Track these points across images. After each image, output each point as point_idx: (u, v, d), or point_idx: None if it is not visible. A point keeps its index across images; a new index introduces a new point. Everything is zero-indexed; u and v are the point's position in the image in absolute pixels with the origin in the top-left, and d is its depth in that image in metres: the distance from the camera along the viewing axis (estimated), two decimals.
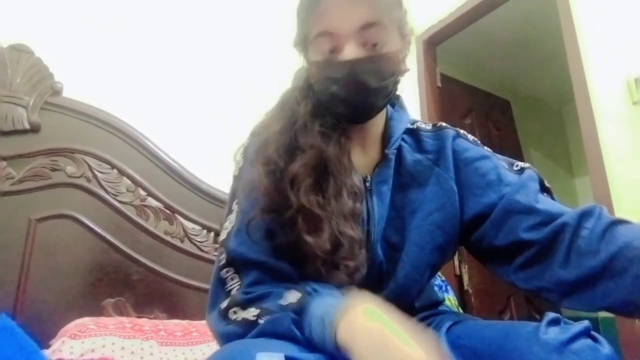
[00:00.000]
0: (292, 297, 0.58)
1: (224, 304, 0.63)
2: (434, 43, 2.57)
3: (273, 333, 0.55)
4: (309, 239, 0.64)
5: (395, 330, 0.49)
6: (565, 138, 3.80)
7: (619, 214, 1.56)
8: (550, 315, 0.57)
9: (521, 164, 0.78)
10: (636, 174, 1.56)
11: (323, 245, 0.64)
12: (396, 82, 0.73)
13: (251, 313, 0.59)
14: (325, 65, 0.69)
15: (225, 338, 0.61)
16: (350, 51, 0.67)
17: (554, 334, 0.54)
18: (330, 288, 0.61)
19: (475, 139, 0.83)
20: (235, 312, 0.61)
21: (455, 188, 0.77)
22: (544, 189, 0.75)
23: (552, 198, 0.75)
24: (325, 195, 0.68)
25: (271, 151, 0.68)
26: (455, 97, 2.78)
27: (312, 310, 0.55)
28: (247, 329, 0.59)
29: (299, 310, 0.55)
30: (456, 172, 0.78)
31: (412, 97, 2.49)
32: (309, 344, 0.54)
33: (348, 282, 0.63)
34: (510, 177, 0.75)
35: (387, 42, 0.69)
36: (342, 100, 0.69)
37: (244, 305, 0.61)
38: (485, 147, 0.82)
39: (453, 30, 2.45)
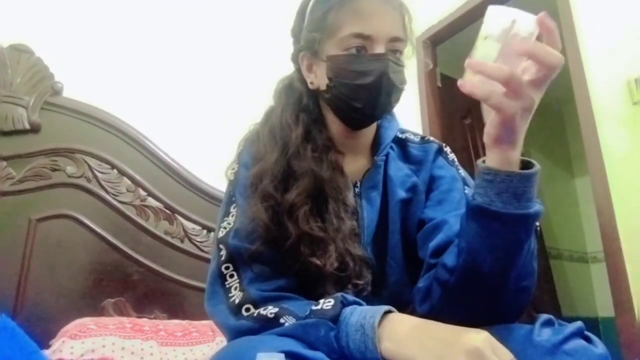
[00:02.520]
0: (326, 303, 0.57)
1: (236, 299, 0.64)
2: (434, 43, 2.57)
3: (304, 338, 0.55)
4: (315, 260, 0.66)
5: (446, 326, 0.53)
6: (565, 138, 3.80)
7: (619, 214, 1.56)
8: (543, 316, 0.58)
9: None
10: (636, 174, 1.56)
11: (331, 265, 0.66)
12: (401, 92, 0.77)
13: (269, 310, 0.60)
14: (355, 58, 0.72)
15: (237, 333, 0.61)
16: (380, 51, 0.72)
17: (547, 336, 0.54)
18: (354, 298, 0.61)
19: (454, 159, 0.86)
20: (248, 310, 0.62)
21: (424, 200, 0.80)
22: None
23: None
24: (325, 218, 0.71)
25: (267, 183, 0.71)
26: (455, 97, 2.77)
27: (348, 318, 0.54)
28: (264, 325, 0.59)
29: (335, 318, 0.55)
30: (429, 184, 0.81)
31: (412, 97, 2.49)
32: (342, 355, 0.53)
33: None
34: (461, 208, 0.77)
35: (403, 56, 0.75)
36: (368, 92, 0.72)
37: (260, 303, 0.62)
38: (461, 170, 0.84)
39: (453, 30, 2.45)
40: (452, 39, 2.52)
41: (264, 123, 0.80)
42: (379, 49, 0.71)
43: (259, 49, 2.18)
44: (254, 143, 0.78)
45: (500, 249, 0.57)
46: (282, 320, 0.59)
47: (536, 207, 0.54)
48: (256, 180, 0.72)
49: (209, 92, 2.03)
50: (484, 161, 0.56)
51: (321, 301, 0.58)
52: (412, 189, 0.79)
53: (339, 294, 0.59)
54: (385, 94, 0.72)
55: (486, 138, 0.53)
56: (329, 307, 0.57)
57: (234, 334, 0.63)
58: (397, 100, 0.77)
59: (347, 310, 0.55)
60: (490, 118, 0.52)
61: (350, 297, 0.58)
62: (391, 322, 0.53)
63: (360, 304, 0.58)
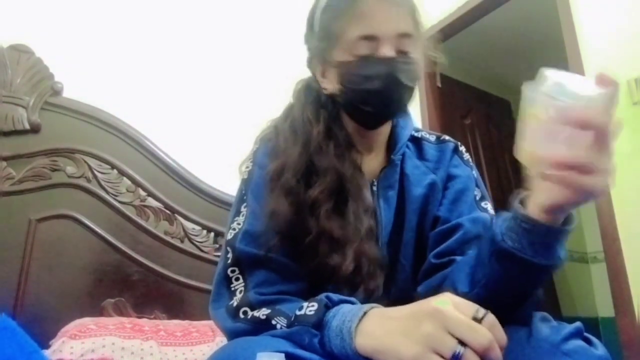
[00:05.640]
0: (309, 308, 0.57)
1: (235, 302, 0.64)
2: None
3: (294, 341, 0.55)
4: (332, 260, 0.66)
5: (407, 305, 0.52)
6: None
7: (619, 214, 1.56)
8: (539, 314, 0.58)
9: (489, 206, 0.80)
10: (636, 174, 1.56)
11: (347, 267, 0.66)
12: (415, 89, 0.76)
13: (262, 312, 0.60)
14: (363, 63, 0.71)
15: (233, 335, 0.62)
16: (388, 52, 0.70)
17: (545, 336, 0.53)
18: (346, 296, 0.60)
19: (469, 158, 0.86)
20: (246, 312, 0.62)
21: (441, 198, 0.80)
22: None
23: None
24: (345, 217, 0.70)
25: (290, 177, 0.70)
26: (455, 97, 2.78)
27: (330, 322, 0.54)
28: (256, 327, 0.59)
29: (318, 324, 0.54)
30: (445, 183, 0.81)
31: None
32: (332, 358, 0.53)
33: (365, 300, 0.63)
34: (474, 210, 0.78)
35: (414, 52, 0.73)
36: (377, 96, 0.71)
37: (256, 305, 0.62)
38: (474, 170, 0.84)
39: (453, 31, 2.45)
40: (452, 39, 2.52)
41: (284, 119, 0.80)
42: (387, 49, 0.70)
43: (259, 51, 2.18)
44: (271, 141, 0.77)
45: (518, 289, 0.58)
46: (273, 322, 0.59)
47: (561, 255, 0.55)
48: (276, 175, 0.71)
49: (208, 92, 2.03)
50: (521, 201, 0.55)
51: (305, 304, 0.58)
52: (430, 186, 0.79)
53: (323, 295, 0.58)
54: (395, 96, 0.72)
55: (538, 204, 0.52)
56: (312, 312, 0.56)
57: (230, 336, 0.63)
58: (411, 97, 0.76)
59: (330, 313, 0.55)
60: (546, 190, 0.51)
61: (336, 297, 0.57)
62: (366, 319, 0.52)
63: (350, 302, 0.57)
